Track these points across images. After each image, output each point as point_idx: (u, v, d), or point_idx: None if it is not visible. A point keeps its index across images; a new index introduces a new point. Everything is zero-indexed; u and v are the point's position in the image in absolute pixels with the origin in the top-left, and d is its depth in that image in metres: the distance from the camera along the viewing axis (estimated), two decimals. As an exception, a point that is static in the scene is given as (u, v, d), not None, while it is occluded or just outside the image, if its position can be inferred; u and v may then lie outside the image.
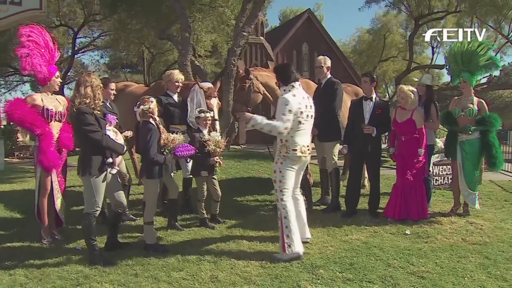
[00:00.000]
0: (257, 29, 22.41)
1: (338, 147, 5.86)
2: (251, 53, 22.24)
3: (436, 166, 7.05)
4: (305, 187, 5.93)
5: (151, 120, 4.32)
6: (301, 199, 4.59)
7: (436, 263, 4.02)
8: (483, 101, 5.54)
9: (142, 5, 13.55)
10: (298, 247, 4.19)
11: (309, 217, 5.41)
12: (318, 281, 3.66)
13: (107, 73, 28.31)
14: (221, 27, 16.32)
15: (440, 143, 6.88)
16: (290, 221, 4.21)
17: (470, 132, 5.42)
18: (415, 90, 5.42)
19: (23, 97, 4.59)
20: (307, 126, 4.29)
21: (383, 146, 6.73)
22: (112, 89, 5.16)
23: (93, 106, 3.95)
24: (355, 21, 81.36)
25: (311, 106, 4.31)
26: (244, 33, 9.95)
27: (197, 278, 3.75)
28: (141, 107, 4.28)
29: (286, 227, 4.20)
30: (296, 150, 4.21)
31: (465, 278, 3.68)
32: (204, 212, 5.26)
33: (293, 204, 4.31)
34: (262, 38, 22.67)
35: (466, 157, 5.55)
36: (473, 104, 5.49)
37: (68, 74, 23.83)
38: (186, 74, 10.68)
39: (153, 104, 4.32)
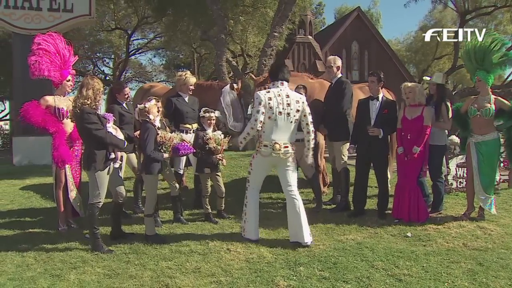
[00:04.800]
0: (305, 28, 22.38)
1: (347, 146, 5.84)
2: (299, 52, 22.26)
3: (460, 168, 6.75)
4: (315, 187, 5.99)
5: (147, 118, 4.60)
6: (297, 201, 4.54)
7: (423, 267, 3.92)
8: (499, 97, 5.29)
9: (188, 8, 14.15)
10: (249, 234, 4.64)
11: (315, 216, 5.49)
12: (294, 277, 3.73)
13: (162, 73, 29.57)
14: (266, 27, 16.56)
15: (456, 139, 6.63)
16: (247, 208, 4.64)
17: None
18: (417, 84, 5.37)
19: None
20: (281, 123, 4.39)
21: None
22: (126, 93, 5.52)
23: (94, 107, 4.29)
24: (414, 18, 78.77)
25: (288, 104, 4.39)
26: (275, 34, 10.05)
27: (181, 268, 3.95)
28: (138, 106, 4.59)
29: (244, 214, 4.71)
30: (266, 146, 4.42)
31: (445, 284, 3.58)
32: (209, 207, 5.46)
33: (254, 199, 4.67)
34: (310, 37, 22.59)
35: (482, 159, 5.31)
36: (490, 104, 5.24)
37: (126, 74, 25.21)
38: (222, 75, 11.02)
39: (149, 104, 4.58)
